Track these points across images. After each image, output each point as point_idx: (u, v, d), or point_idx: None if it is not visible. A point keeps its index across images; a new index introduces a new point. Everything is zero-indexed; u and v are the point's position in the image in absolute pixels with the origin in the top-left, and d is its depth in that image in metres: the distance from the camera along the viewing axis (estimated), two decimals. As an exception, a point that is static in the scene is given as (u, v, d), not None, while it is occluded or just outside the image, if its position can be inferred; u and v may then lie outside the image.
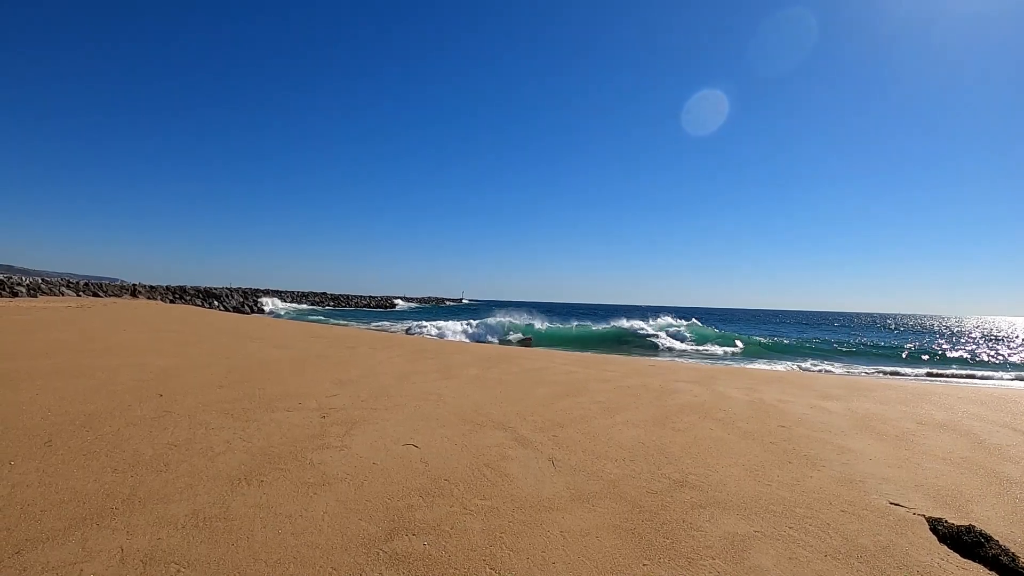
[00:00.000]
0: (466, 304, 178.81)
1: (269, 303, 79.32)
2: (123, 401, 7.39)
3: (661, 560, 3.66)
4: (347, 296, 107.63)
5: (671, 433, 7.22)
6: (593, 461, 5.79)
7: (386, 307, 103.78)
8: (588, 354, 22.38)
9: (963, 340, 57.85)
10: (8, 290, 43.87)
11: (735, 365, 24.52)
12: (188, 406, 7.31)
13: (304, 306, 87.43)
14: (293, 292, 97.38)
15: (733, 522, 4.37)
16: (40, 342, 13.55)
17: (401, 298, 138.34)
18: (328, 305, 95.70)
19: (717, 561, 3.68)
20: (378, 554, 3.52)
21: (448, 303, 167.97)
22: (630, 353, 30.96)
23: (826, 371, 24.54)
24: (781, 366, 26.66)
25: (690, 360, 27.32)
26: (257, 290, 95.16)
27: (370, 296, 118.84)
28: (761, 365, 26.54)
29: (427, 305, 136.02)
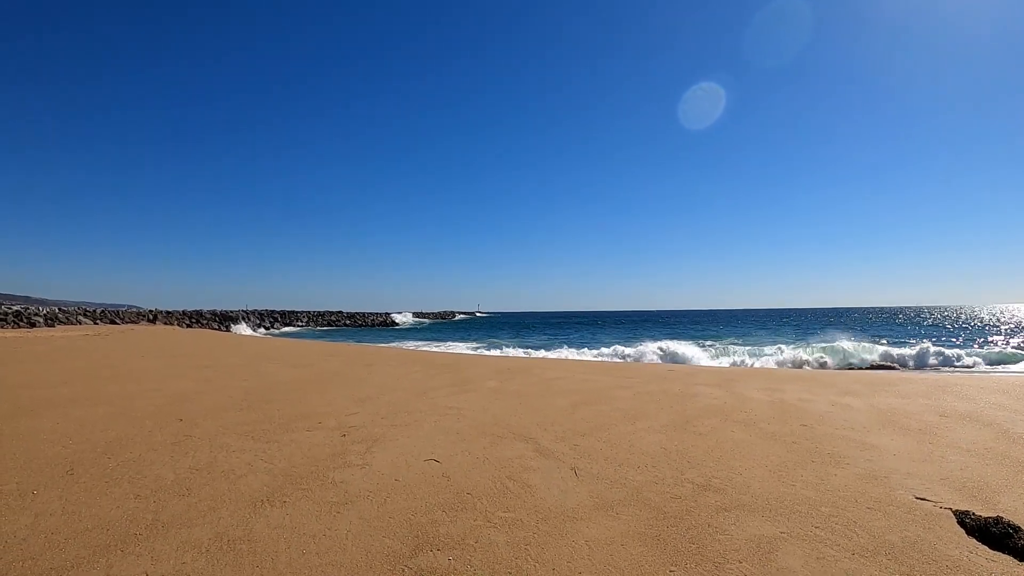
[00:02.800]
0: (480, 317, 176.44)
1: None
2: (143, 427, 7.41)
3: (687, 566, 3.63)
4: (323, 313, 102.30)
5: (693, 437, 7.18)
6: (616, 469, 5.77)
7: (383, 325, 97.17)
8: (607, 362, 22.35)
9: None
10: (26, 320, 44.22)
11: (757, 366, 24.43)
12: (208, 429, 7.32)
13: (287, 329, 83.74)
14: (260, 311, 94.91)
15: (759, 524, 4.34)
16: (59, 371, 13.63)
17: (401, 313, 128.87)
18: (299, 324, 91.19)
19: (744, 564, 3.66)
20: (403, 570, 3.51)
21: (459, 316, 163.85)
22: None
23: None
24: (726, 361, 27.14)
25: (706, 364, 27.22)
26: (274, 311, 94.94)
27: (363, 313, 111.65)
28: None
29: (431, 320, 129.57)
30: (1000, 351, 27.94)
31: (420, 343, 44.90)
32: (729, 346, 35.87)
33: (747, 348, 33.53)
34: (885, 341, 35.97)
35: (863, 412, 8.75)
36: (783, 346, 32.23)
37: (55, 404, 8.90)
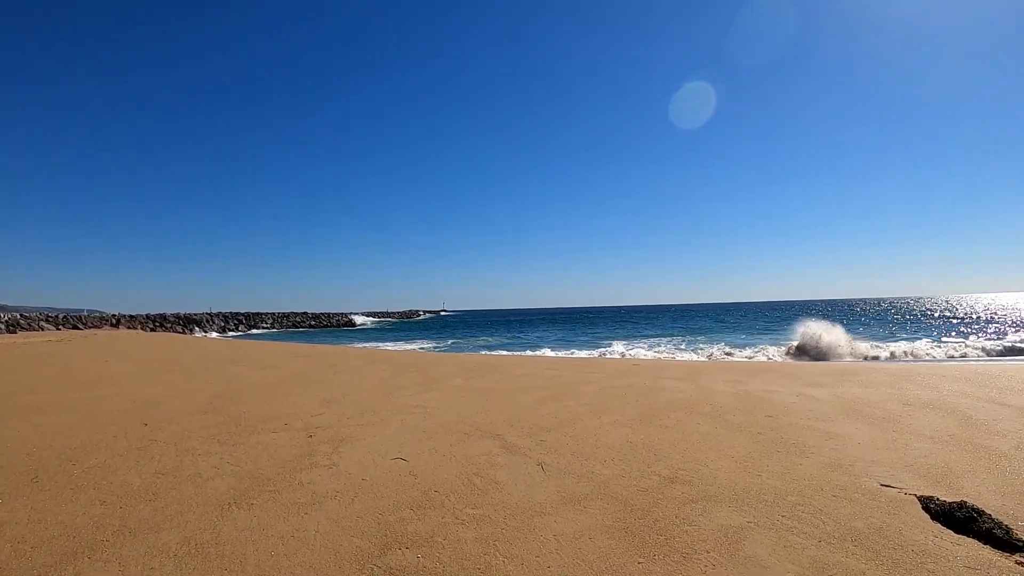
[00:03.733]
0: (445, 316, 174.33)
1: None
2: (108, 433, 7.34)
3: (655, 557, 3.66)
4: (288, 315, 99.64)
5: (659, 430, 7.23)
6: (582, 463, 5.79)
7: (339, 326, 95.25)
8: (573, 357, 22.40)
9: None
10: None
11: (726, 361, 24.60)
12: (174, 433, 7.27)
13: (252, 331, 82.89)
14: (225, 314, 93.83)
15: (726, 514, 4.38)
16: (22, 378, 13.44)
17: (361, 314, 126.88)
18: (264, 326, 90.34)
19: (712, 554, 3.68)
20: (372, 570, 3.51)
21: (424, 315, 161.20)
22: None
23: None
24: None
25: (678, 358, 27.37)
26: (238, 314, 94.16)
27: (328, 314, 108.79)
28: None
29: (396, 320, 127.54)
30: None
31: (386, 344, 44.85)
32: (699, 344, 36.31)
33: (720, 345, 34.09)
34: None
35: (827, 402, 8.85)
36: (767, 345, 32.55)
37: (18, 412, 8.78)
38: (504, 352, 31.61)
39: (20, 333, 44.45)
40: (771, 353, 27.43)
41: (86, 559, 3.72)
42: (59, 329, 55.54)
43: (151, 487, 5.18)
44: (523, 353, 30.06)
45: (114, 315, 77.51)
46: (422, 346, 42.44)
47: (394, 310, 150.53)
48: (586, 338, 46.54)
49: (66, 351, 23.22)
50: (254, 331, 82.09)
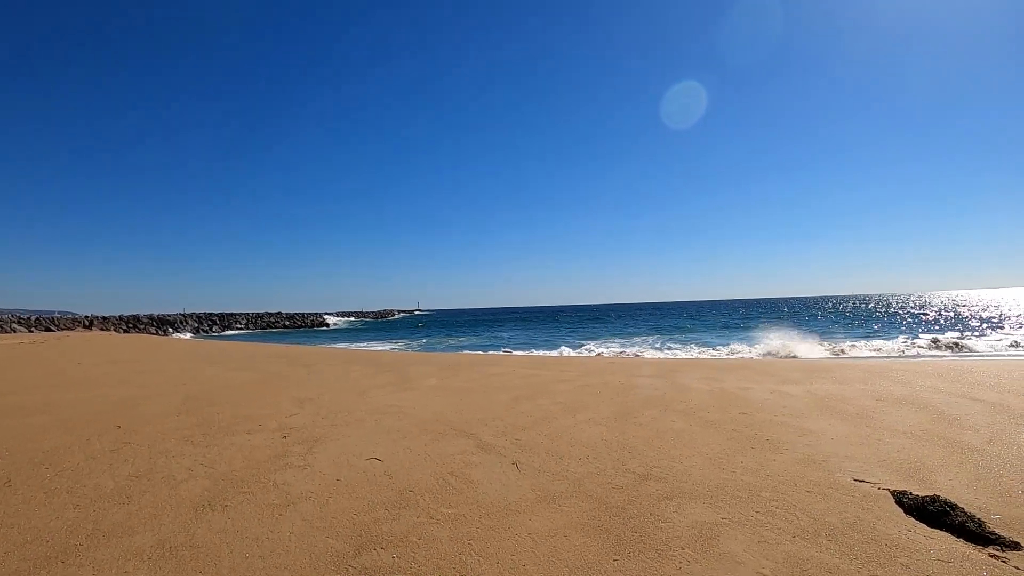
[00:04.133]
0: (420, 315, 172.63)
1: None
2: (81, 435, 7.28)
3: (630, 554, 3.67)
4: (263, 315, 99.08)
5: (633, 428, 7.25)
6: (557, 461, 5.81)
7: (313, 326, 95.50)
8: (549, 355, 22.45)
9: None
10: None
11: (700, 358, 24.68)
12: (148, 435, 7.22)
13: (227, 332, 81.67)
14: (199, 315, 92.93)
15: (700, 511, 4.40)
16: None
17: (334, 314, 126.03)
18: (239, 326, 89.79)
19: (687, 551, 3.71)
20: (347, 570, 3.50)
21: (398, 314, 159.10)
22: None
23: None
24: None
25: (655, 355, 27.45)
26: (212, 314, 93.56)
27: (302, 314, 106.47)
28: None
29: (371, 319, 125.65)
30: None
31: (360, 344, 44.69)
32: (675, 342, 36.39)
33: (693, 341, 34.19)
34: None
35: (801, 399, 8.91)
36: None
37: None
38: (480, 352, 31.55)
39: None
40: (745, 351, 27.54)
41: (59, 563, 3.69)
42: (31, 331, 55.17)
43: (125, 490, 5.14)
44: (498, 352, 30.05)
45: (87, 316, 76.85)
46: (396, 346, 42.31)
47: (368, 310, 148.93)
48: (561, 337, 46.47)
49: (40, 353, 23.04)
50: (229, 332, 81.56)
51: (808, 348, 26.02)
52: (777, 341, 28.87)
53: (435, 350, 34.14)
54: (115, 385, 12.16)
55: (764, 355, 25.18)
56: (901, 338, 31.07)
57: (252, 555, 3.73)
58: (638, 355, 26.31)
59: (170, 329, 74.55)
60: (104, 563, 3.69)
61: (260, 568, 3.55)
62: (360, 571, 3.49)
